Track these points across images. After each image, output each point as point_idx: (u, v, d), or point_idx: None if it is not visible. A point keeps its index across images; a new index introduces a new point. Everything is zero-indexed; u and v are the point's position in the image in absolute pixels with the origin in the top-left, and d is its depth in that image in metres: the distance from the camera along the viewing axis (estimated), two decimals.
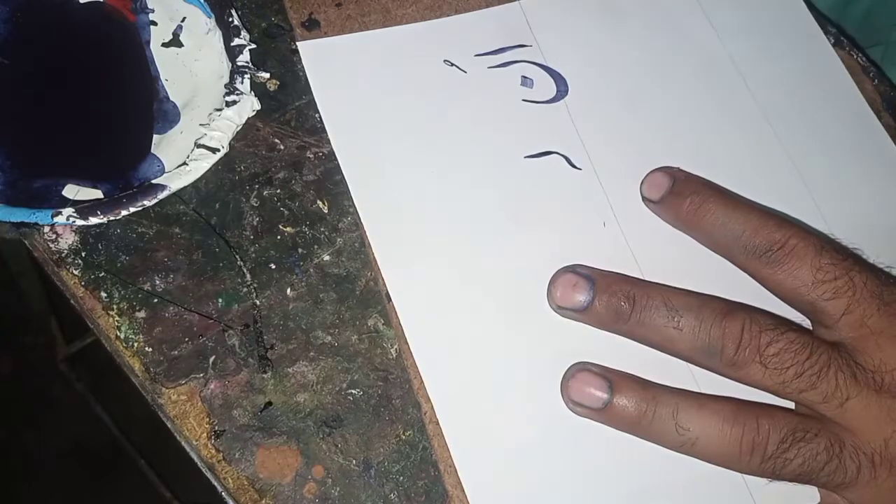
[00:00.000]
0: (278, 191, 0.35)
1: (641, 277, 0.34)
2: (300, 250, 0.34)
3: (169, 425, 0.30)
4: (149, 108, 0.35)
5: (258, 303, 0.32)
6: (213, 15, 0.35)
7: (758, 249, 0.31)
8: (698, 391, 0.32)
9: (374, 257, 0.33)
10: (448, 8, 0.39)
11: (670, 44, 0.40)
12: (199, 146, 0.33)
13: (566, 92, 0.38)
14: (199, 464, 0.30)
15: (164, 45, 0.36)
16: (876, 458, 0.29)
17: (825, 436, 0.29)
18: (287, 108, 0.36)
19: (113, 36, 0.36)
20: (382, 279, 0.33)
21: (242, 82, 0.34)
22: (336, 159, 0.35)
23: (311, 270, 0.33)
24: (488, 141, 0.36)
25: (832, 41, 0.42)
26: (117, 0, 0.36)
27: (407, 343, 0.32)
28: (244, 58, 0.35)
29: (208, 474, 0.30)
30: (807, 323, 0.32)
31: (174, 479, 0.98)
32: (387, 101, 0.37)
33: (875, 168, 0.39)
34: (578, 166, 0.37)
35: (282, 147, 0.35)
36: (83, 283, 0.32)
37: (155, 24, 0.36)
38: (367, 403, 0.31)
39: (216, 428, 0.30)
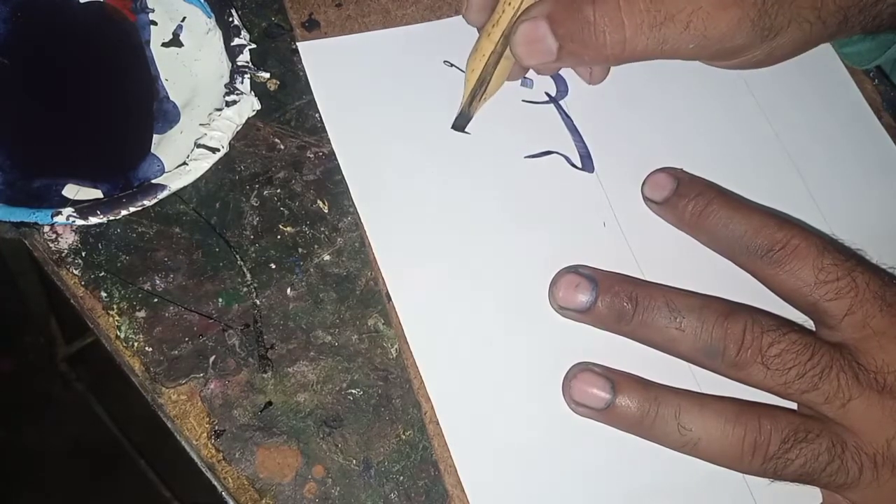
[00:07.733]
0: (278, 191, 0.35)
1: (642, 278, 0.34)
2: (300, 250, 0.34)
3: (169, 425, 0.30)
4: (149, 108, 0.35)
5: (258, 302, 0.32)
6: (213, 15, 0.35)
7: (760, 249, 0.31)
8: (699, 392, 0.31)
9: (374, 257, 0.33)
10: (448, 8, 0.39)
11: None
12: (199, 146, 0.33)
13: (566, 92, 0.38)
14: (199, 464, 0.30)
15: (164, 45, 0.36)
16: (878, 458, 0.29)
17: (827, 436, 0.29)
18: (287, 108, 0.36)
19: (113, 36, 0.36)
20: (382, 279, 0.33)
21: (242, 82, 0.34)
22: (336, 159, 0.35)
23: (311, 270, 0.33)
24: (488, 141, 0.36)
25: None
26: (117, 0, 0.36)
27: (407, 343, 0.32)
28: (244, 58, 0.35)
29: (208, 474, 0.30)
30: (809, 324, 0.32)
31: (174, 479, 0.98)
32: (387, 102, 0.37)
33: (875, 168, 0.39)
34: (579, 166, 0.37)
35: (282, 147, 0.35)
36: (83, 283, 0.32)
37: (155, 23, 0.36)
38: (367, 403, 0.31)
39: (216, 428, 0.30)
